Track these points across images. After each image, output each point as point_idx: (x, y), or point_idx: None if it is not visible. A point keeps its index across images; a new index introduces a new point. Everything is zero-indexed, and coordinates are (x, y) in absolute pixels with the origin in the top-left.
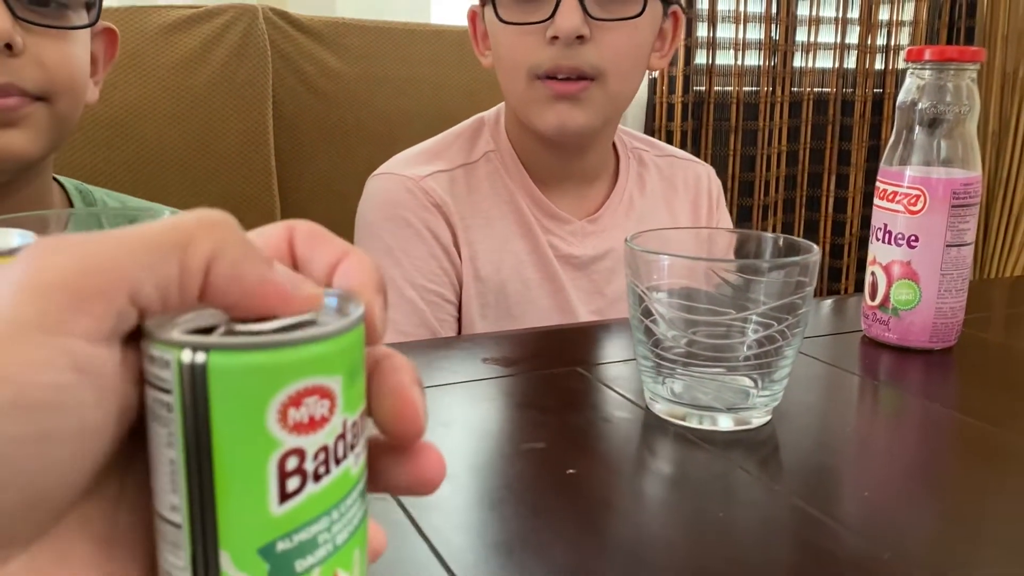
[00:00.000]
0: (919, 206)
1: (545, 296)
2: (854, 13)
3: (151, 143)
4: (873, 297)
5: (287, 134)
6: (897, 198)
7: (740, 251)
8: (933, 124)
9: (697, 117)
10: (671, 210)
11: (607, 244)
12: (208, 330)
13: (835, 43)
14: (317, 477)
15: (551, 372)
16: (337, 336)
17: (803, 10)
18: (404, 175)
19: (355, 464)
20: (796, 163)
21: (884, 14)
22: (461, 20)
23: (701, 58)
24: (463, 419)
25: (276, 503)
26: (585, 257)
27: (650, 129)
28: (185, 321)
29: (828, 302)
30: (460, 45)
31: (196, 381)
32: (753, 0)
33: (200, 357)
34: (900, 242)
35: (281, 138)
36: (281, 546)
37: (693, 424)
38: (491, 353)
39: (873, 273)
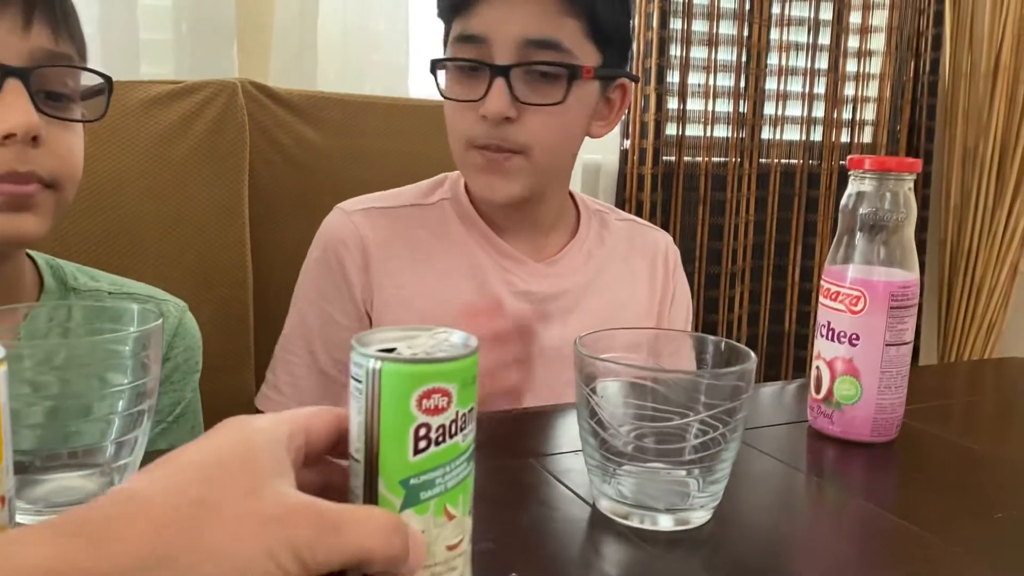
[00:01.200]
0: (860, 306)
1: (498, 329)
2: (820, 89)
3: (128, 214)
4: (818, 390)
5: (263, 205)
6: (840, 298)
7: (679, 352)
8: (873, 228)
9: (667, 188)
10: (630, 267)
11: (564, 285)
12: (389, 350)
13: (802, 117)
14: (438, 443)
15: (504, 464)
16: (451, 361)
17: (771, 84)
18: (342, 208)
19: (463, 440)
20: (763, 232)
21: (850, 90)
22: (437, 95)
23: (671, 130)
24: None
25: (411, 455)
26: (542, 294)
27: (621, 199)
28: (376, 342)
29: (778, 388)
30: (436, 119)
31: (375, 378)
32: (723, 75)
33: (378, 364)
34: (843, 340)
35: (257, 209)
36: (413, 481)
37: (635, 523)
38: None
39: (818, 367)
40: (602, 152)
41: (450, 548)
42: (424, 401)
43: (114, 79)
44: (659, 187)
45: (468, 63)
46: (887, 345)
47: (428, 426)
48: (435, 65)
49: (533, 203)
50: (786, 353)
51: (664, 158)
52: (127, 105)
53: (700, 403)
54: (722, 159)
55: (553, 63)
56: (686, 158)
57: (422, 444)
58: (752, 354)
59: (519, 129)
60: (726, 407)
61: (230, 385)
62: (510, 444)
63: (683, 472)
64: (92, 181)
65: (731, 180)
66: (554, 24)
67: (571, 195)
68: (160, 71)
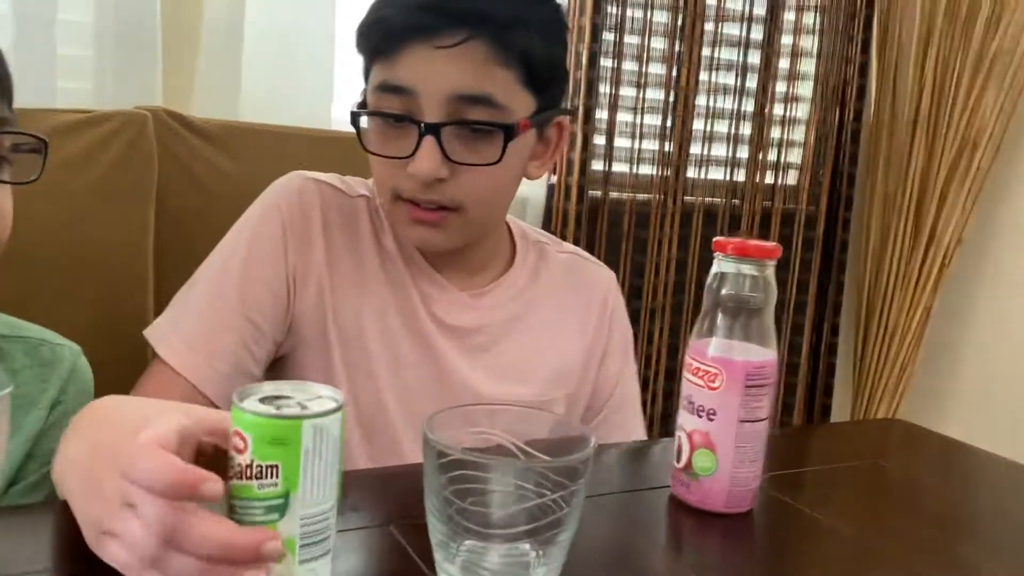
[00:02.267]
0: (717, 383)
1: (408, 352)
2: (746, 131)
3: (24, 247)
4: (679, 460)
5: (172, 239)
6: (700, 373)
7: (532, 428)
8: (734, 309)
9: (592, 223)
10: (562, 305)
11: (486, 320)
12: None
13: (727, 158)
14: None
15: (364, 529)
16: (331, 413)
17: (699, 125)
18: (307, 173)
19: (258, 488)
20: (685, 270)
21: (775, 133)
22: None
23: (597, 165)
24: None
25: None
26: (461, 328)
27: None
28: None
29: (648, 447)
30: (359, 152)
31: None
32: (650, 115)
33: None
34: (701, 414)
35: (165, 242)
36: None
37: None
38: None
39: (679, 437)
40: (529, 185)
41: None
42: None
43: (31, 100)
44: (584, 223)
45: (394, 117)
46: (742, 421)
47: (233, 457)
48: (354, 116)
49: (464, 249)
50: None
51: (590, 193)
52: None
53: (543, 486)
54: (647, 196)
55: (486, 123)
56: (612, 194)
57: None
58: (591, 440)
59: (451, 188)
60: (565, 491)
61: None
62: (374, 505)
63: (526, 546)
64: None
65: (654, 218)
66: (486, 77)
67: (508, 225)
68: (79, 88)
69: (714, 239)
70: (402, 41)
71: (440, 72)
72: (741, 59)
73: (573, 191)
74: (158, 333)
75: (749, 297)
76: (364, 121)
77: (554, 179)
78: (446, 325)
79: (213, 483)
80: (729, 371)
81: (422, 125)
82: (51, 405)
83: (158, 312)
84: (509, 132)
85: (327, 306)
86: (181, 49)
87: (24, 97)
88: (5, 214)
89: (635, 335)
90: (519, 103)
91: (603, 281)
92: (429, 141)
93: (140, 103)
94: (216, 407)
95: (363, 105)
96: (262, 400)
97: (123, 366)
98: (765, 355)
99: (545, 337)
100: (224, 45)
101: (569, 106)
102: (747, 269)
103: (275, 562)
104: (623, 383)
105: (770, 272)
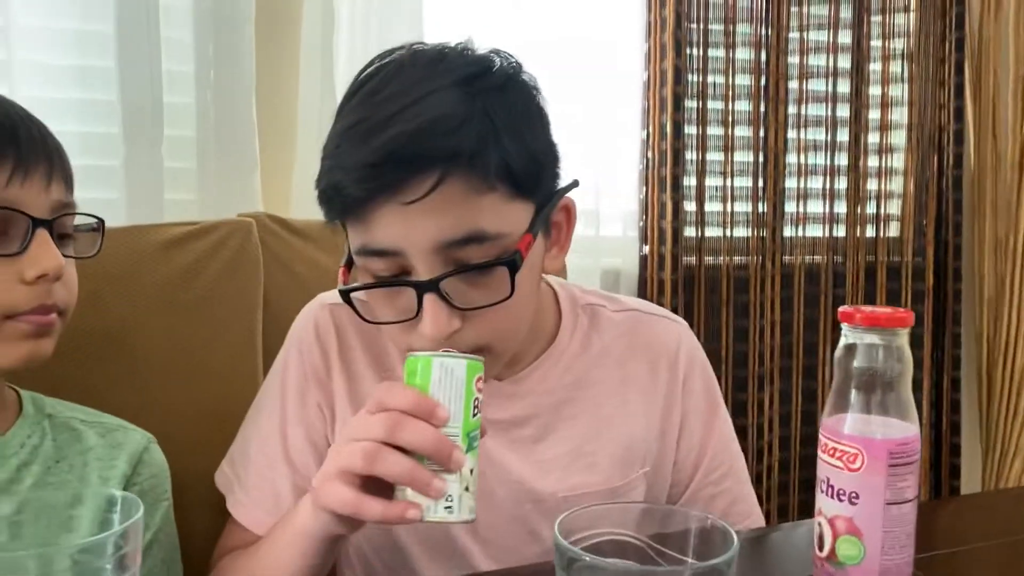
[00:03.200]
0: (858, 464)
1: None
2: (841, 185)
3: (140, 357)
4: (821, 548)
5: (278, 335)
6: (837, 454)
7: (666, 527)
8: (868, 383)
9: (688, 291)
10: (623, 374)
11: (532, 408)
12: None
13: (824, 214)
14: (479, 411)
15: None
16: (482, 361)
17: (791, 183)
18: (325, 298)
19: (481, 412)
20: (790, 332)
21: (872, 185)
22: None
23: (690, 232)
24: None
25: (471, 415)
26: (503, 421)
27: None
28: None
29: (786, 532)
30: None
31: (457, 370)
32: (740, 177)
33: (460, 361)
34: (842, 498)
35: (271, 339)
36: (471, 434)
37: None
38: None
39: (820, 524)
40: (621, 257)
41: (477, 482)
42: (478, 383)
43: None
44: (680, 291)
45: (390, 283)
46: (888, 504)
47: (478, 399)
48: (345, 294)
49: None
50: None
51: (684, 260)
52: (143, 248)
53: None
54: (743, 259)
55: (485, 265)
56: (707, 260)
57: (475, 411)
58: (735, 540)
59: (470, 334)
60: None
61: None
62: None
63: None
64: (102, 325)
65: (754, 281)
66: (469, 213)
67: (553, 289)
68: (185, 198)
69: (840, 309)
70: (366, 204)
71: (418, 228)
72: (829, 113)
73: (667, 260)
74: (226, 483)
75: (884, 369)
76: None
77: (646, 249)
78: (490, 421)
79: (459, 451)
80: (870, 450)
81: (419, 286)
82: (124, 483)
83: None
84: (512, 265)
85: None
86: (278, 154)
87: (136, 210)
88: (73, 284)
89: (743, 403)
90: (513, 220)
91: (671, 336)
92: (430, 299)
93: (242, 208)
94: None
95: (349, 263)
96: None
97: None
98: (907, 429)
99: (605, 415)
100: (318, 147)
101: (651, 180)
102: (879, 339)
103: (458, 469)
104: (716, 447)
105: (904, 340)
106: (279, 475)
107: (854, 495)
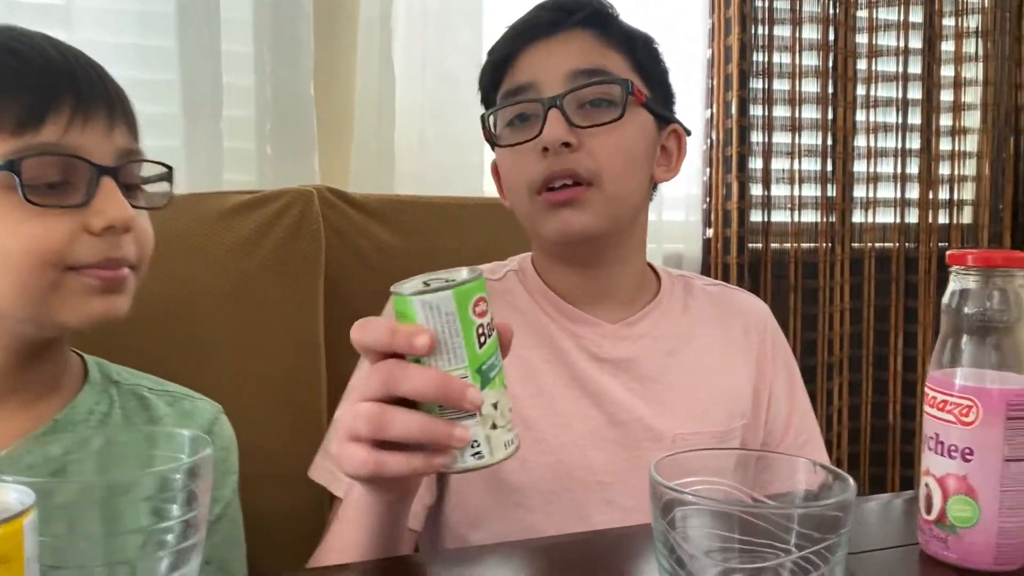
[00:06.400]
0: (972, 417)
1: (570, 403)
2: (913, 169)
3: (202, 325)
4: (929, 511)
5: (340, 310)
6: (948, 407)
7: (769, 475)
8: (981, 330)
9: (754, 277)
10: (723, 334)
11: (645, 350)
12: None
13: (895, 199)
14: (489, 336)
15: None
16: (476, 280)
17: (860, 167)
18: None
19: (494, 335)
20: (860, 321)
21: (945, 169)
22: None
23: (756, 216)
24: None
25: (478, 348)
26: (622, 360)
27: None
28: (409, 287)
29: (884, 502)
30: (511, 215)
31: (443, 303)
32: (808, 159)
33: (445, 293)
34: (954, 455)
35: (333, 314)
36: (483, 367)
37: None
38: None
39: (927, 485)
40: (685, 242)
41: (510, 410)
42: (476, 307)
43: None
44: (746, 276)
45: (519, 104)
46: (1007, 460)
47: (482, 325)
48: (486, 128)
49: (606, 266)
50: (892, 450)
51: (750, 245)
52: (205, 215)
53: (793, 537)
54: (812, 245)
55: (605, 80)
56: (773, 245)
57: (480, 340)
58: (851, 481)
59: (582, 157)
60: (824, 543)
61: (306, 496)
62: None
63: None
64: (166, 291)
65: (823, 267)
66: (598, 55)
67: (651, 266)
68: (244, 179)
69: (948, 252)
70: (519, 47)
71: (555, 57)
72: (900, 95)
73: (732, 243)
74: (325, 474)
75: (999, 314)
76: (494, 126)
77: (710, 233)
78: (605, 360)
79: (474, 389)
80: (985, 401)
81: (544, 102)
82: (209, 493)
83: (333, 384)
84: (626, 87)
85: None
86: (336, 132)
87: (196, 190)
88: (146, 238)
89: (812, 393)
90: (632, 80)
91: (760, 310)
92: (553, 113)
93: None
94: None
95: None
96: (445, 280)
97: (300, 439)
98: None
99: (711, 367)
100: (376, 131)
101: (716, 161)
102: (994, 283)
103: (476, 409)
104: (801, 419)
105: (1020, 284)
106: None
107: (968, 451)
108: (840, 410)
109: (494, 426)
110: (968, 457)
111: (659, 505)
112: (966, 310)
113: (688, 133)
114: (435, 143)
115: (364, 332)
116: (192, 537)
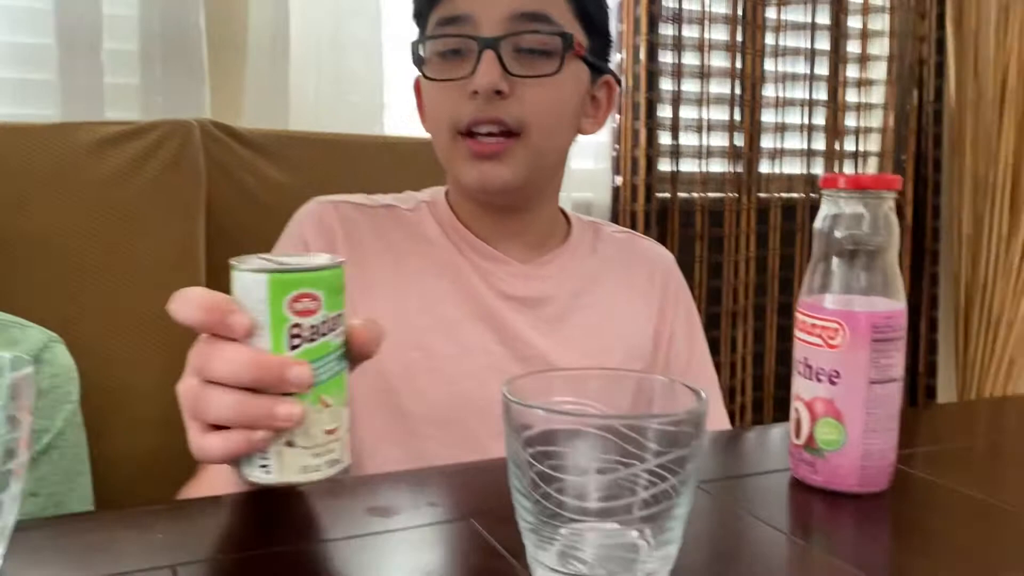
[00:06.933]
0: (839, 340)
1: (474, 336)
2: (820, 120)
3: (73, 262)
4: (798, 435)
5: (223, 249)
6: (816, 331)
7: (625, 393)
8: (851, 253)
9: (662, 224)
10: (627, 279)
11: (554, 290)
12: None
13: (803, 149)
14: (311, 340)
15: (440, 525)
16: (316, 271)
17: (768, 117)
18: (325, 197)
19: (334, 339)
20: (766, 270)
21: (851, 120)
22: (414, 132)
23: (664, 166)
24: None
25: (287, 348)
26: (531, 299)
27: None
28: (255, 261)
29: (759, 432)
30: (412, 157)
31: (258, 288)
32: (716, 108)
33: (259, 277)
34: (821, 378)
35: (216, 253)
36: None
37: None
38: (376, 501)
39: (796, 409)
40: (593, 190)
41: (327, 432)
42: (296, 303)
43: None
44: (653, 224)
45: (453, 39)
46: (872, 383)
47: (300, 326)
48: (415, 52)
49: (521, 210)
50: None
51: (658, 195)
52: (75, 147)
53: (648, 455)
54: (719, 195)
55: (545, 31)
56: (681, 194)
57: (295, 341)
58: (701, 394)
59: (512, 104)
60: (674, 455)
61: (180, 438)
62: (451, 502)
63: (633, 532)
64: (34, 227)
65: (729, 215)
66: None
67: (562, 211)
68: (127, 117)
69: (822, 175)
70: None
71: None
72: (808, 44)
73: (640, 191)
74: None
75: (869, 237)
76: (423, 51)
77: (619, 180)
78: (514, 298)
79: (299, 367)
80: (852, 325)
81: (481, 41)
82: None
83: None
84: (567, 42)
85: (371, 305)
86: (227, 65)
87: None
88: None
89: (715, 341)
90: (573, 30)
91: (664, 258)
92: (488, 55)
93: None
94: None
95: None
96: (280, 264)
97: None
98: (892, 305)
99: (615, 309)
100: (270, 58)
101: (624, 107)
102: (864, 206)
103: (302, 390)
104: (697, 366)
105: (890, 207)
106: None
107: (835, 374)
108: (744, 357)
109: (290, 444)
110: (835, 380)
111: (513, 425)
112: (836, 233)
113: (620, 84)
114: (331, 78)
115: (178, 305)
116: (9, 463)
